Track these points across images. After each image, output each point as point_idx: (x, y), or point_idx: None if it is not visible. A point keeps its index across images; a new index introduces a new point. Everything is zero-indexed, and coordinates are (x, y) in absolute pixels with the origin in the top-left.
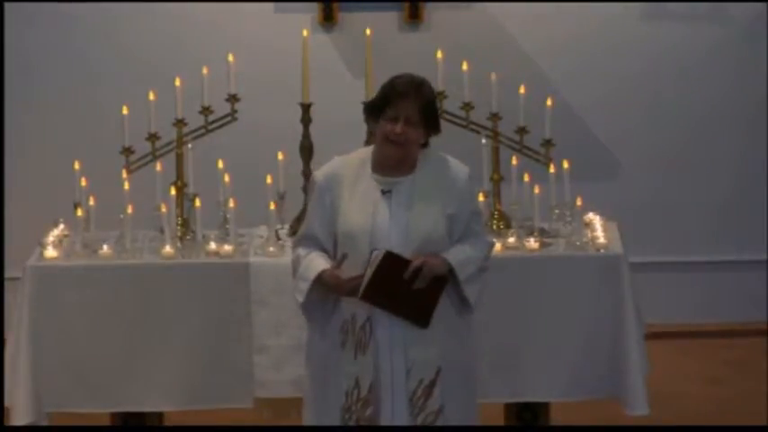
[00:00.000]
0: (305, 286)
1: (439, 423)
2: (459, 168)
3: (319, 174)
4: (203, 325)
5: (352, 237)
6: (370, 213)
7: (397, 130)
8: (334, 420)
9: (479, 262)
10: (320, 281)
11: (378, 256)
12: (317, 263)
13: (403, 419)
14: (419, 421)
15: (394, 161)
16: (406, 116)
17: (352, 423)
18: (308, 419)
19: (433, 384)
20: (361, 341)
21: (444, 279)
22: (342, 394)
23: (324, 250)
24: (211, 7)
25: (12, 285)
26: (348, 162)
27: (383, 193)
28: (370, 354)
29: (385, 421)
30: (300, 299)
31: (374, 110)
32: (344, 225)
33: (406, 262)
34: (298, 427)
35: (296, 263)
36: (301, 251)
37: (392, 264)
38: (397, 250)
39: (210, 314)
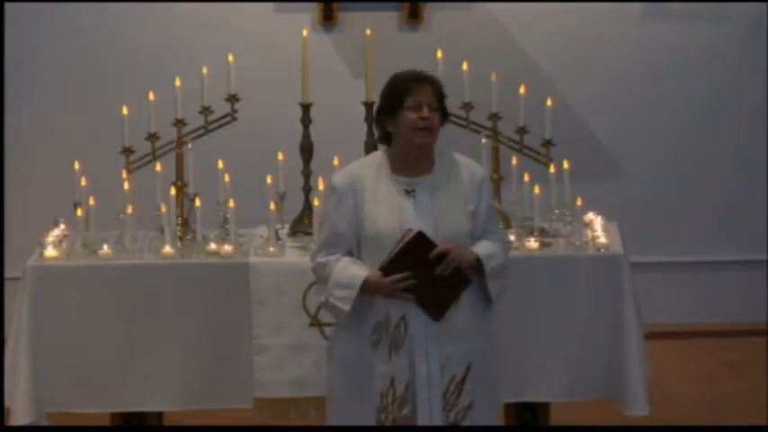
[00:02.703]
0: (350, 293)
1: (468, 419)
2: (474, 166)
3: (338, 178)
4: (203, 325)
5: (380, 238)
6: (396, 214)
7: (425, 114)
8: (367, 422)
9: (502, 259)
10: (363, 286)
11: (410, 234)
12: (354, 268)
13: (439, 416)
14: (451, 417)
15: (424, 150)
16: (428, 102)
17: (388, 423)
18: (336, 423)
19: (463, 380)
20: (395, 340)
21: (467, 279)
22: (376, 395)
23: (349, 252)
24: (211, 7)
25: (12, 285)
26: (365, 165)
27: (407, 193)
28: (405, 352)
29: (423, 419)
30: (346, 307)
31: (391, 107)
32: (372, 227)
33: (435, 247)
34: (298, 427)
35: (322, 269)
36: (330, 258)
37: (421, 245)
38: None
39: (210, 314)
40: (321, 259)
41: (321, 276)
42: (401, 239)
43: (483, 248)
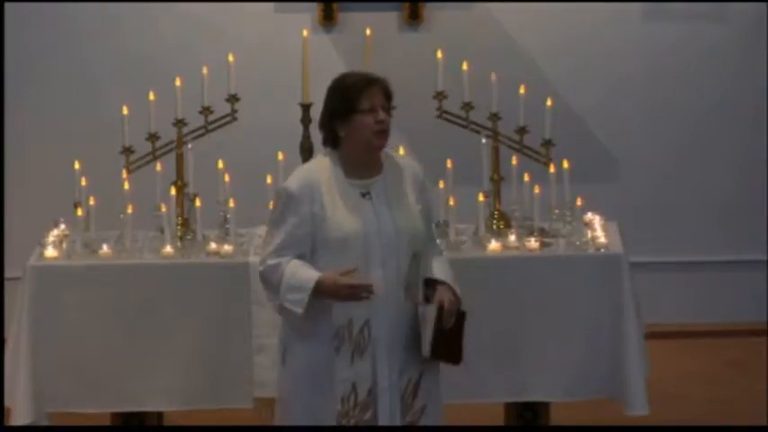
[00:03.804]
0: (303, 296)
1: (422, 422)
2: (415, 166)
3: (292, 184)
4: (203, 325)
5: (345, 241)
6: (358, 217)
7: (382, 117)
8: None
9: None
10: (316, 288)
11: (431, 311)
12: (305, 271)
13: (398, 420)
14: (407, 420)
15: (379, 153)
16: (381, 103)
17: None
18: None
19: (417, 383)
20: (359, 345)
21: (462, 313)
22: (336, 401)
23: (299, 256)
24: (211, 7)
25: (12, 285)
26: (316, 170)
27: (362, 195)
28: (368, 357)
29: (384, 423)
30: (299, 310)
31: (343, 111)
32: (336, 231)
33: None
34: (298, 427)
35: (273, 272)
36: (281, 260)
37: (439, 315)
38: (389, 249)
39: (210, 314)
40: (271, 261)
41: (271, 280)
42: (424, 318)
43: (442, 273)
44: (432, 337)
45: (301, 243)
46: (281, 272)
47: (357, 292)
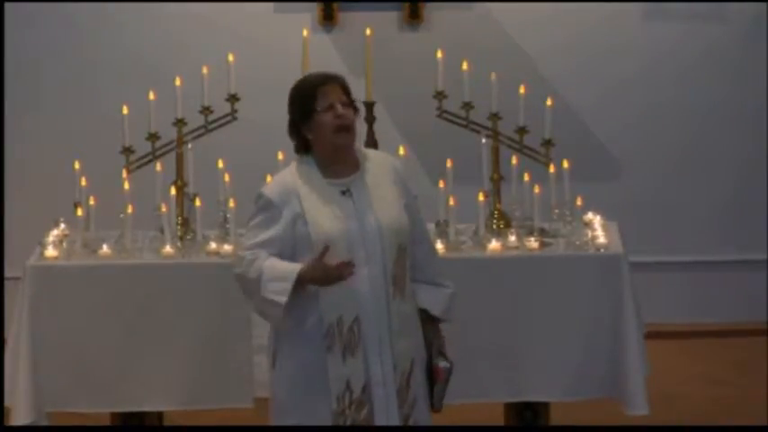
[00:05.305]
0: (286, 285)
1: (414, 415)
2: (391, 157)
3: (270, 191)
4: (203, 325)
5: (329, 241)
6: (340, 216)
7: (340, 111)
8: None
9: (452, 287)
10: (300, 278)
11: (448, 369)
12: (285, 264)
13: (396, 414)
14: (405, 412)
15: (347, 150)
16: (339, 100)
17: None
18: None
19: (409, 376)
20: (350, 342)
21: (449, 367)
22: (331, 400)
23: (277, 256)
24: (211, 7)
25: (12, 285)
26: (292, 176)
27: (342, 193)
28: (360, 354)
29: (380, 419)
30: (283, 298)
31: (304, 114)
32: (319, 234)
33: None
34: (298, 427)
35: (248, 267)
36: (259, 253)
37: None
38: (373, 246)
39: (210, 314)
40: (248, 257)
41: (249, 275)
42: (436, 377)
43: (441, 303)
44: (441, 395)
45: (276, 247)
46: (258, 267)
47: (344, 271)
